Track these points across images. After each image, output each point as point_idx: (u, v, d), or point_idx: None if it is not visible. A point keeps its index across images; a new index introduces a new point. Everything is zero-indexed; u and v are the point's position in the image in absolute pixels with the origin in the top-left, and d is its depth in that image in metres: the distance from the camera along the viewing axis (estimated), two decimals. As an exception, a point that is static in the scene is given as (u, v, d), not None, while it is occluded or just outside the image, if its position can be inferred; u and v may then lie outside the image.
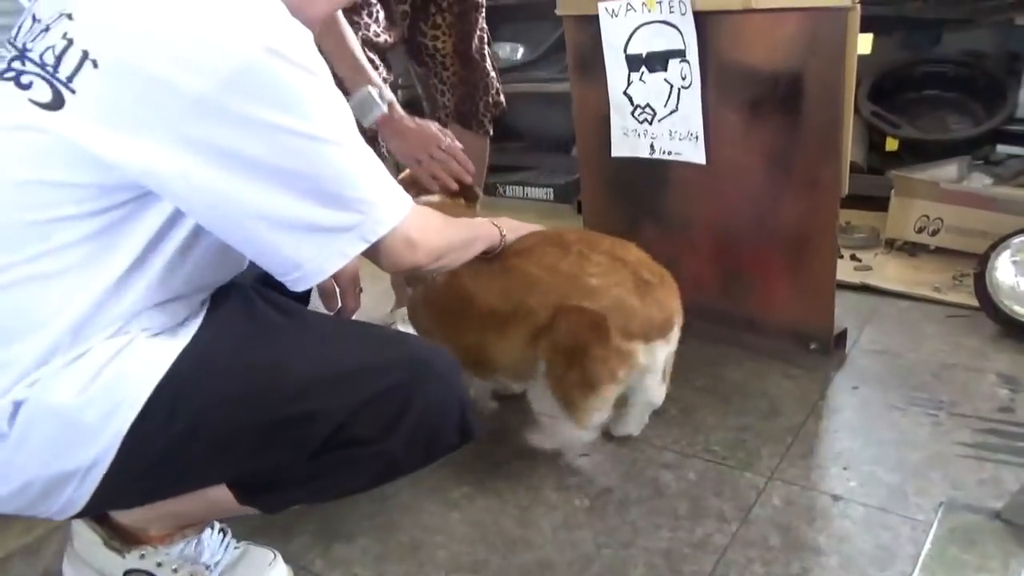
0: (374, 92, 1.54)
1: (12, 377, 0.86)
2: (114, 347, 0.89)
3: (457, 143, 1.60)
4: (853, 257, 2.23)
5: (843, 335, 1.76)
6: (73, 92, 0.82)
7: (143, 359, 0.90)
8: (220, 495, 0.98)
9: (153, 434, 0.89)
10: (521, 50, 3.33)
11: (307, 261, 0.90)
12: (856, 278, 2.08)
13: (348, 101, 1.57)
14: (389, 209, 0.93)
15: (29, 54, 0.86)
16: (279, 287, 0.96)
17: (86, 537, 1.04)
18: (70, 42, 0.83)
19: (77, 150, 0.82)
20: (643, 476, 1.38)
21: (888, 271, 2.13)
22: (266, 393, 0.91)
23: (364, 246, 0.92)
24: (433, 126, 1.59)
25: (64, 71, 0.82)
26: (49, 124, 0.82)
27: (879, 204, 2.34)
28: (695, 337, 1.87)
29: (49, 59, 0.84)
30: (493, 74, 2.01)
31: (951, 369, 1.66)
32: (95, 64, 0.81)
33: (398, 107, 1.59)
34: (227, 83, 0.80)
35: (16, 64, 0.86)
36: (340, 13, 1.60)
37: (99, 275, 0.87)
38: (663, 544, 1.21)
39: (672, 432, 1.51)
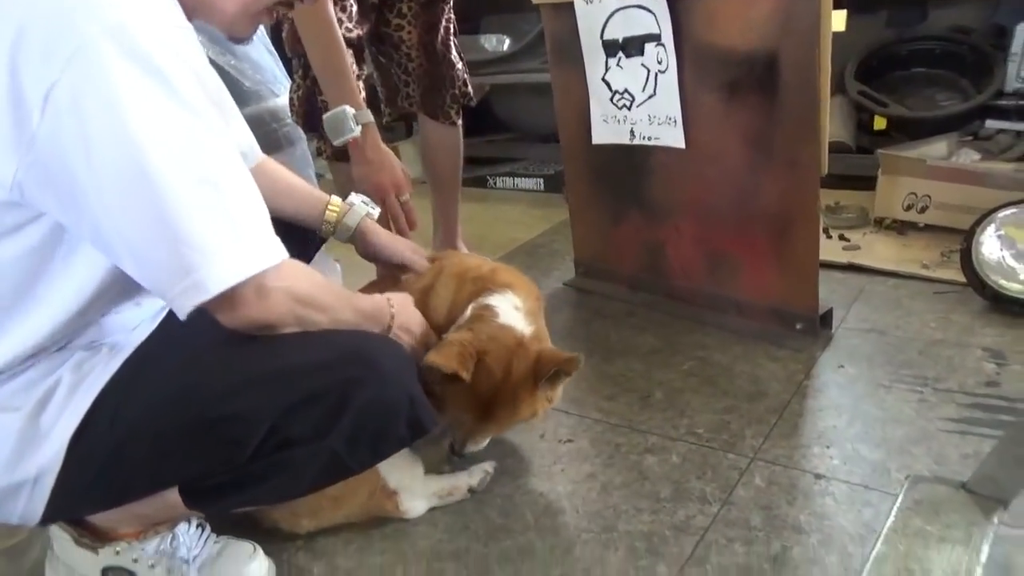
0: (349, 111, 1.51)
1: None
2: (58, 360, 0.90)
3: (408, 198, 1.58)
4: (841, 237, 2.22)
5: (829, 315, 1.75)
6: None
7: (86, 370, 0.91)
8: (175, 498, 0.98)
9: (97, 441, 0.89)
10: (507, 41, 3.32)
11: (162, 294, 0.83)
12: (844, 258, 2.08)
13: (324, 116, 1.52)
14: (231, 262, 0.82)
15: None
16: None
17: (60, 536, 1.05)
18: None
19: None
20: (626, 461, 1.38)
21: (876, 250, 2.13)
22: (194, 395, 0.90)
23: (201, 298, 0.82)
24: (399, 167, 1.55)
25: None
26: None
27: (868, 184, 2.33)
28: (681, 321, 1.88)
29: None
30: (460, 65, 1.99)
31: (938, 345, 1.65)
32: None
33: (375, 132, 1.56)
34: (61, 76, 0.74)
35: None
36: (336, 27, 1.56)
37: (30, 301, 0.87)
38: (644, 527, 1.21)
39: (656, 416, 1.51)
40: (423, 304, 1.30)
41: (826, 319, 1.75)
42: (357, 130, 1.51)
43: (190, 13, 0.91)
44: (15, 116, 0.76)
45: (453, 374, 1.12)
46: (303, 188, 1.36)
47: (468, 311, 1.29)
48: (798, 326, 1.74)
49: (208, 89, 0.84)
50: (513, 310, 1.28)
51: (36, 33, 0.74)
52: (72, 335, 0.94)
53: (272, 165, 1.33)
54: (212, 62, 1.35)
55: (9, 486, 0.90)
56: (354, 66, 1.67)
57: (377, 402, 0.95)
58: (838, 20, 1.48)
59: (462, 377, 1.13)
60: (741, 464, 1.34)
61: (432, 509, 1.29)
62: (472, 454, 1.30)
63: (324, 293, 1.00)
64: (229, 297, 0.84)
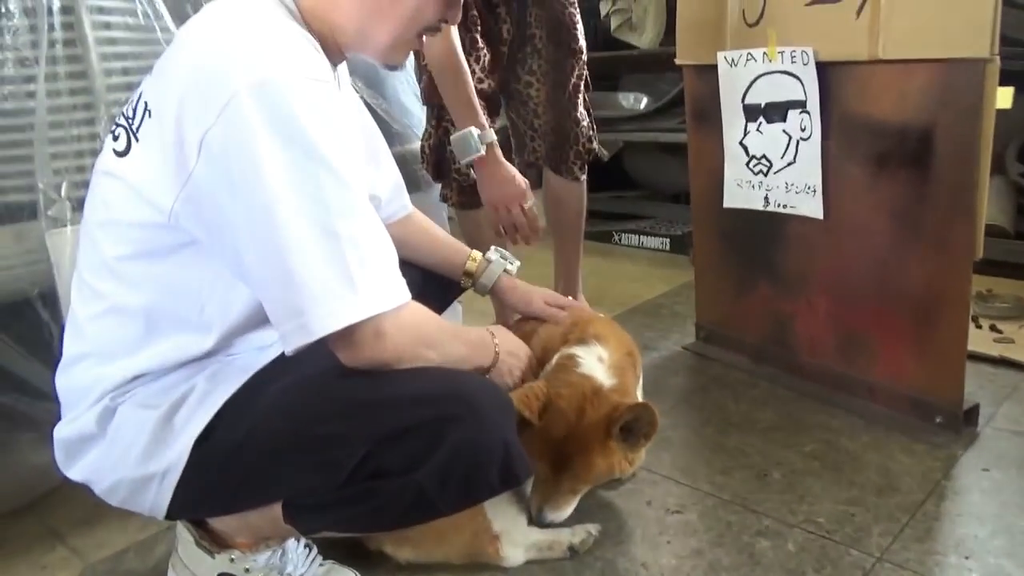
0: (475, 132, 1.64)
1: (110, 386, 0.99)
2: (197, 368, 0.99)
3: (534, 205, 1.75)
4: (993, 328, 2.04)
5: (975, 411, 1.61)
6: (138, 140, 0.93)
7: (219, 380, 0.99)
8: (280, 513, 1.02)
9: (217, 445, 0.96)
10: (645, 100, 3.34)
11: (276, 327, 0.91)
12: (995, 351, 1.91)
13: (452, 137, 1.68)
14: (338, 309, 0.87)
15: (125, 108, 0.99)
16: None
17: (184, 537, 1.11)
18: (140, 94, 0.95)
19: (133, 192, 0.92)
20: (738, 541, 1.31)
21: (1034, 345, 1.94)
22: (303, 412, 0.95)
23: (306, 339, 0.88)
24: (522, 182, 1.71)
25: (136, 121, 0.94)
26: (119, 169, 0.94)
27: (1027, 272, 2.15)
28: (807, 399, 1.79)
29: (129, 112, 0.96)
30: (586, 122, 1.99)
31: (1104, 458, 1.48)
32: (150, 114, 0.92)
33: (498, 151, 1.69)
34: (215, 124, 0.84)
35: (118, 119, 0.99)
36: (461, 54, 1.68)
37: (178, 312, 0.97)
38: (752, 616, 1.14)
39: (773, 498, 1.42)
40: None
41: (971, 415, 1.60)
42: (483, 150, 1.65)
43: (347, 47, 1.01)
44: (178, 155, 0.88)
45: (524, 419, 1.13)
46: (446, 241, 1.45)
47: (553, 360, 1.30)
48: (938, 419, 1.60)
49: (350, 137, 0.92)
50: (596, 361, 1.29)
51: (200, 85, 0.86)
52: (217, 349, 1.02)
53: (419, 217, 1.42)
54: (365, 104, 1.45)
55: (142, 477, 0.99)
56: (486, 115, 1.73)
57: (471, 443, 0.95)
58: (1004, 97, 1.39)
59: (527, 419, 1.14)
60: (865, 563, 1.23)
61: (530, 562, 1.27)
62: (553, 524, 1.26)
63: (436, 330, 1.04)
64: (347, 337, 0.90)
